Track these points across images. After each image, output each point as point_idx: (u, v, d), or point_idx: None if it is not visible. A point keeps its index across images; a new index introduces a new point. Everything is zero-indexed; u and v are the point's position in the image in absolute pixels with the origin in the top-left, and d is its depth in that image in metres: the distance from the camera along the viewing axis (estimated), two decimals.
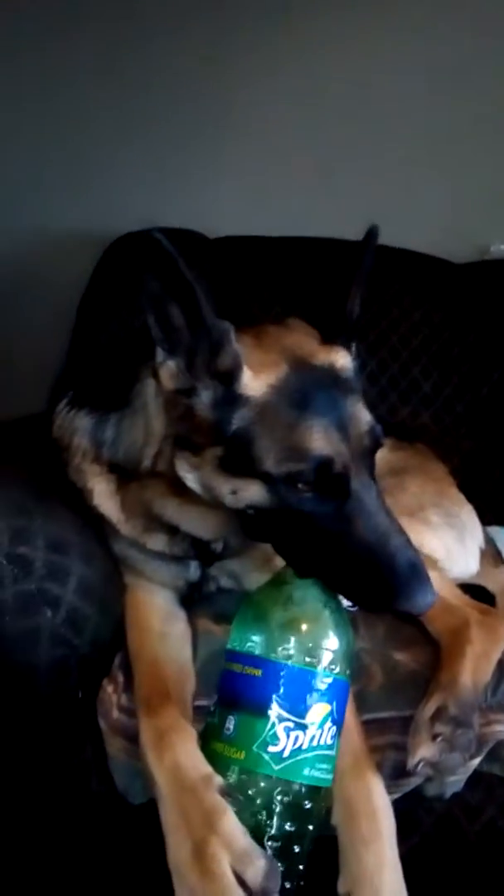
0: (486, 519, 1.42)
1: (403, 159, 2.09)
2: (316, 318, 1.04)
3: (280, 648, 0.88)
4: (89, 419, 1.10)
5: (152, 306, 0.88)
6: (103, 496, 1.10)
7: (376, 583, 0.86)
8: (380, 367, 1.83)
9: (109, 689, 1.04)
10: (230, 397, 0.90)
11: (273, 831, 0.83)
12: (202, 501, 0.97)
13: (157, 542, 1.08)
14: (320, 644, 0.89)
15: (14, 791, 1.08)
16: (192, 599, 1.15)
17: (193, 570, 1.12)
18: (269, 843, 0.82)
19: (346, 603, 0.93)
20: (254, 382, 0.90)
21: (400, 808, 0.93)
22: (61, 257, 2.17)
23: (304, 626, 0.89)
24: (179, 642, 1.07)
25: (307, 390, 0.90)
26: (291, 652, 0.88)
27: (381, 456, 1.37)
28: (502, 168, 2.06)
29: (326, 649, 0.89)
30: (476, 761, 0.98)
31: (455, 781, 0.98)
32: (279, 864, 0.80)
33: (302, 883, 0.84)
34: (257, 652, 0.88)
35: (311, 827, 0.86)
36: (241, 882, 0.76)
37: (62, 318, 1.94)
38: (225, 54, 2.11)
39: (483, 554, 1.36)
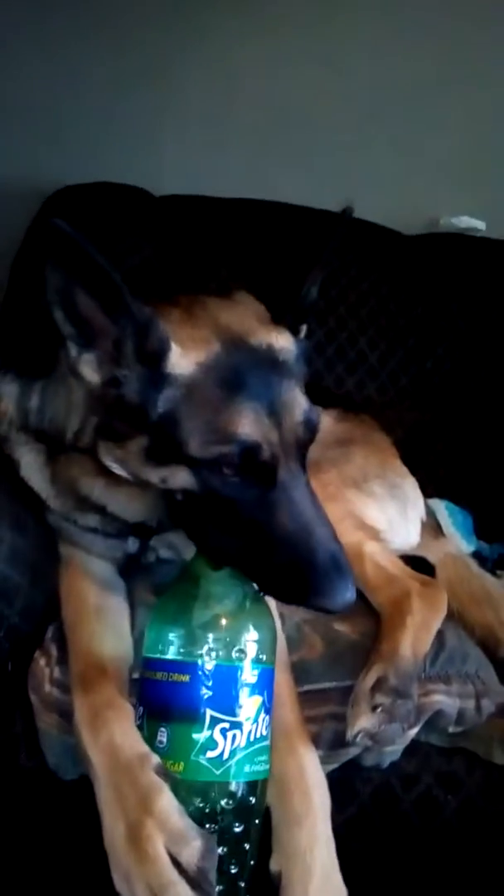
0: (428, 492, 1.42)
1: (357, 127, 2.06)
2: (265, 291, 1.00)
3: (204, 649, 0.83)
4: (15, 385, 1.03)
5: (59, 300, 0.82)
6: (31, 468, 1.04)
7: (295, 576, 0.83)
8: (327, 337, 1.81)
9: (42, 661, 1.00)
10: (157, 378, 0.85)
11: (222, 836, 0.80)
12: (128, 484, 0.93)
13: (89, 520, 1.04)
14: (246, 637, 0.85)
15: None
16: (131, 570, 1.11)
17: (131, 542, 1.08)
18: (220, 848, 0.78)
19: None
20: (181, 360, 0.85)
21: (337, 777, 0.93)
22: None
23: (226, 622, 0.85)
24: (117, 615, 1.03)
25: (239, 370, 0.85)
26: (217, 651, 0.84)
27: (327, 426, 1.38)
28: (454, 141, 2.05)
29: (252, 641, 0.85)
30: (414, 731, 0.99)
31: (393, 751, 0.99)
32: (232, 865, 0.79)
33: (247, 874, 0.83)
34: (180, 656, 0.84)
35: (257, 821, 0.84)
36: (177, 863, 0.74)
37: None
38: (175, 3, 2.01)
39: (424, 526, 1.36)
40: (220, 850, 0.78)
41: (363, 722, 0.93)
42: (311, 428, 0.89)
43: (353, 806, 0.99)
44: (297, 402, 0.88)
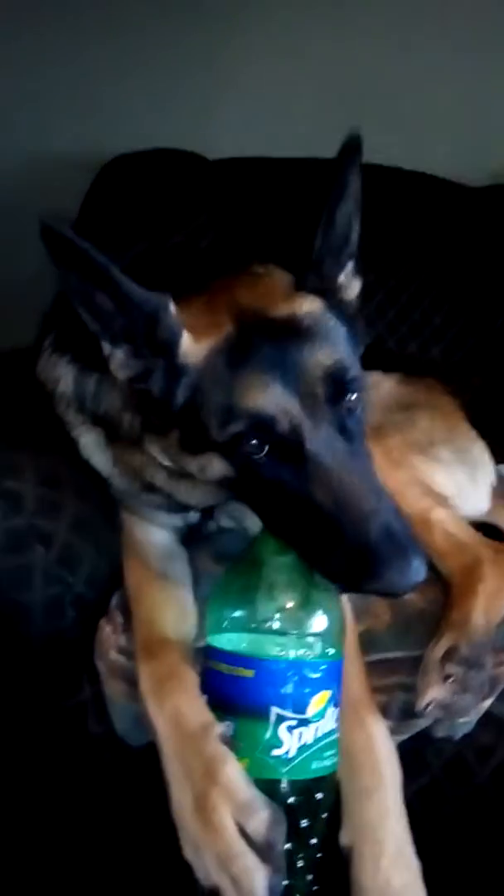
0: (498, 457, 1.36)
1: (416, 79, 1.97)
2: (291, 260, 0.93)
3: (270, 644, 0.80)
4: (72, 368, 1.02)
5: (80, 300, 0.80)
6: (91, 448, 1.04)
7: (349, 557, 0.75)
8: (389, 299, 1.74)
9: (108, 629, 1.00)
10: (173, 369, 0.83)
11: (288, 836, 0.77)
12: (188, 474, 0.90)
13: (154, 499, 1.03)
14: (313, 631, 0.81)
15: (9, 732, 1.06)
16: (192, 538, 1.11)
17: (193, 514, 1.08)
18: (287, 845, 0.76)
19: None
20: (193, 348, 0.82)
21: (408, 748, 0.91)
22: (56, 180, 2.05)
23: (293, 616, 0.81)
24: (179, 584, 1.03)
25: (250, 346, 0.81)
26: (283, 646, 0.80)
27: (390, 390, 1.34)
28: None
29: (319, 635, 0.81)
30: (488, 702, 0.95)
31: (466, 723, 0.95)
32: (299, 860, 0.77)
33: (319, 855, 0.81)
34: (245, 650, 0.80)
35: (324, 815, 0.82)
36: (245, 833, 0.74)
37: None
38: None
39: (494, 492, 1.31)
40: (286, 846, 0.75)
41: (434, 692, 0.91)
42: (337, 382, 0.80)
43: (424, 777, 0.96)
44: (317, 362, 0.80)
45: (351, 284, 0.93)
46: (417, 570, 0.75)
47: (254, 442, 0.79)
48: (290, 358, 0.80)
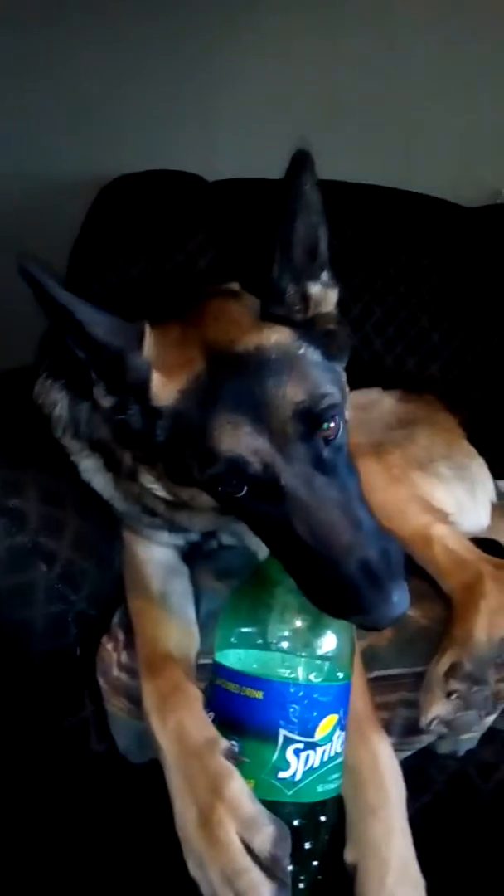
0: (497, 472, 1.37)
1: (412, 100, 2.00)
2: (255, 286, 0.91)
3: (281, 666, 0.80)
4: (65, 394, 1.02)
5: (64, 330, 0.79)
6: (91, 472, 1.04)
7: (333, 590, 0.75)
8: (386, 317, 1.76)
9: (109, 646, 1.01)
10: (148, 410, 0.82)
11: (292, 856, 0.77)
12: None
13: (156, 521, 1.04)
14: (325, 654, 0.81)
15: (11, 750, 1.06)
16: (194, 556, 1.11)
17: (194, 533, 1.08)
18: (289, 867, 0.75)
19: None
20: (164, 390, 0.81)
21: (411, 765, 0.91)
22: (56, 202, 2.09)
23: (304, 639, 0.81)
24: (181, 600, 1.03)
25: (218, 386, 0.79)
26: (294, 669, 0.80)
27: (389, 407, 1.35)
28: None
29: (330, 658, 0.81)
30: (491, 718, 0.95)
31: (469, 739, 0.96)
32: (301, 882, 0.77)
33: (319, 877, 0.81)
34: (255, 671, 0.80)
35: (326, 837, 0.82)
36: (250, 849, 0.73)
37: (59, 266, 1.86)
38: None
39: (494, 508, 1.32)
40: (290, 868, 0.75)
41: (437, 709, 0.90)
42: (309, 418, 0.78)
43: (427, 794, 0.97)
44: (287, 398, 0.78)
45: (327, 296, 0.89)
46: (398, 605, 0.74)
47: (233, 482, 0.79)
48: (257, 395, 0.78)
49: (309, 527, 0.76)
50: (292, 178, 0.81)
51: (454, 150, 1.98)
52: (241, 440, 0.77)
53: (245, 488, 0.78)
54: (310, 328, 0.86)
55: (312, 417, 0.79)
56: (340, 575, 0.74)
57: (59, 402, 1.03)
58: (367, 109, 1.99)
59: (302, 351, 0.83)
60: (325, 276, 0.88)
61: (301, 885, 0.79)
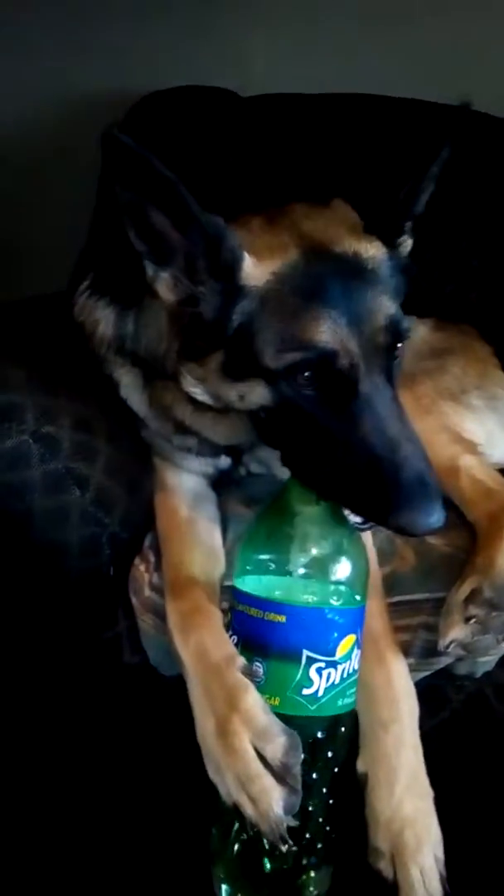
0: None
1: (466, 14, 1.85)
2: (365, 202, 0.93)
3: (301, 590, 0.84)
4: (111, 310, 1.04)
5: (131, 218, 0.80)
6: (130, 390, 1.06)
7: (379, 494, 0.79)
8: (423, 240, 1.69)
9: (141, 567, 1.05)
10: (231, 291, 0.83)
11: (314, 764, 0.83)
12: (215, 409, 0.93)
13: (187, 441, 1.06)
14: (343, 579, 0.85)
15: (47, 664, 1.12)
16: (222, 483, 1.13)
17: (223, 459, 1.10)
18: (313, 774, 0.82)
19: (355, 519, 0.86)
20: (256, 271, 0.83)
21: (430, 684, 0.95)
22: (86, 119, 2.01)
23: (325, 566, 0.85)
24: (208, 525, 1.06)
25: (317, 278, 0.82)
26: (315, 594, 0.84)
27: (423, 336, 1.33)
28: None
29: (349, 583, 0.85)
30: None
31: (486, 662, 0.98)
32: (324, 792, 0.82)
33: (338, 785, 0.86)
34: (278, 597, 0.84)
35: (345, 747, 0.86)
36: (263, 758, 0.78)
37: (88, 187, 1.83)
38: None
39: None
40: (313, 777, 0.81)
41: (456, 632, 0.92)
42: (395, 334, 0.84)
43: (445, 712, 1.00)
44: (382, 309, 0.83)
45: (405, 242, 0.95)
46: (439, 517, 0.78)
47: (307, 374, 0.81)
48: (356, 299, 0.82)
49: (375, 430, 0.80)
50: (446, 129, 0.88)
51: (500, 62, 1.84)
52: (336, 335, 0.80)
53: (316, 383, 0.81)
54: (395, 256, 0.91)
55: (398, 333, 0.84)
56: (397, 480, 0.78)
57: (103, 319, 1.04)
58: (409, 22, 1.85)
59: (392, 272, 0.88)
60: (410, 224, 0.95)
61: (324, 790, 0.84)
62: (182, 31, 1.98)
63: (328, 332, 0.80)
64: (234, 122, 1.76)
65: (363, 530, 0.88)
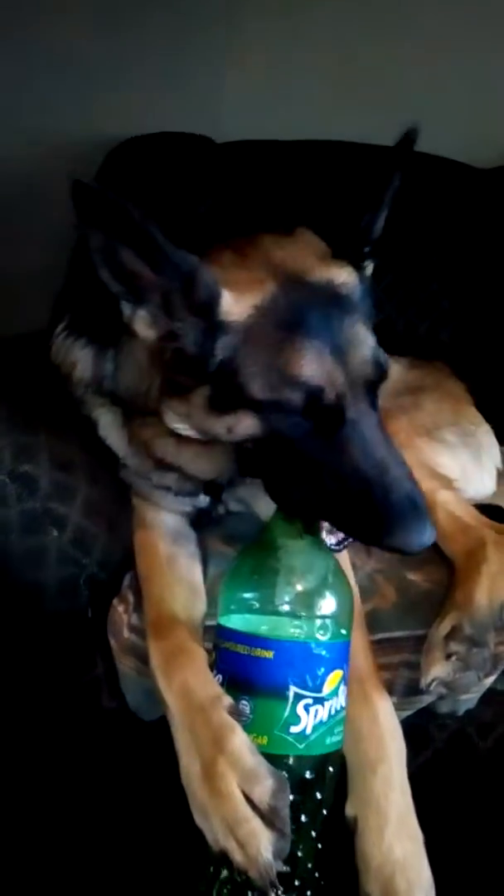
0: None
1: (424, 57, 1.94)
2: (329, 230, 0.95)
3: (288, 626, 0.83)
4: (88, 350, 1.03)
5: (102, 259, 0.81)
6: (108, 429, 1.06)
7: (371, 516, 0.80)
8: (397, 281, 1.74)
9: (120, 608, 1.03)
10: (212, 327, 0.83)
11: (303, 806, 0.82)
12: (198, 442, 0.93)
13: (166, 479, 1.05)
14: (329, 613, 0.85)
15: (24, 708, 1.09)
16: (201, 522, 1.13)
17: (202, 498, 1.10)
18: (302, 818, 0.81)
19: (330, 541, 0.88)
20: (235, 307, 0.83)
21: (412, 724, 0.94)
22: (63, 165, 2.03)
23: (310, 599, 0.85)
24: (189, 562, 1.05)
25: (298, 309, 0.83)
26: (301, 628, 0.83)
27: (398, 375, 1.35)
28: None
29: (334, 617, 0.85)
30: (490, 680, 0.97)
31: (469, 699, 0.98)
32: (313, 836, 0.80)
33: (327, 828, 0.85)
34: (264, 633, 0.83)
35: (333, 788, 0.85)
36: (251, 800, 0.76)
37: (64, 230, 1.85)
38: None
39: (500, 474, 1.33)
40: (301, 820, 0.79)
41: (437, 670, 0.93)
42: (379, 367, 0.85)
43: (428, 752, 1.00)
44: (363, 339, 0.85)
45: (369, 266, 0.96)
46: (431, 534, 0.81)
47: (295, 405, 0.81)
48: (336, 328, 0.83)
49: (363, 454, 0.81)
50: (400, 153, 0.91)
51: (465, 109, 1.92)
52: (323, 369, 0.81)
53: (302, 415, 0.82)
54: (363, 280, 0.92)
55: (379, 366, 0.85)
56: (387, 500, 0.80)
57: (80, 361, 1.04)
58: (374, 70, 1.93)
59: (364, 297, 0.90)
60: (369, 249, 0.96)
61: (313, 834, 0.82)
62: (156, 78, 2.04)
63: (314, 366, 0.81)
64: (209, 166, 1.81)
65: (337, 551, 0.89)
